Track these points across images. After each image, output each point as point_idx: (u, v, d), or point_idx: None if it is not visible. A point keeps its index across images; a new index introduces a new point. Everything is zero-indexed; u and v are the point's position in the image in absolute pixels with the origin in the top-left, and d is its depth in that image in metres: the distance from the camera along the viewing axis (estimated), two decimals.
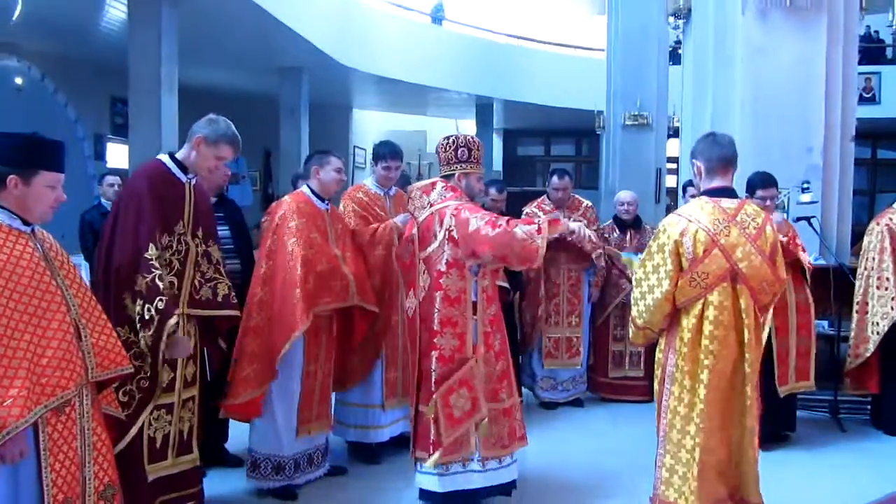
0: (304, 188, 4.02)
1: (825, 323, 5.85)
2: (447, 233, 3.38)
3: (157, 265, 2.98)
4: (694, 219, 2.96)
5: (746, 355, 2.93)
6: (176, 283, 3.16)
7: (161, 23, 8.76)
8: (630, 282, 5.63)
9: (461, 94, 15.83)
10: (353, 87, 15.08)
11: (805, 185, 5.28)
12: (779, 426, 4.74)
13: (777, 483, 3.56)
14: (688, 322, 2.93)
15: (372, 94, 16.12)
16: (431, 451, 3.35)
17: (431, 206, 3.49)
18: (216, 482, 3.93)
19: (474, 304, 3.43)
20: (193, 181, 3.31)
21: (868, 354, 4.95)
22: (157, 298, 2.91)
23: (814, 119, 5.67)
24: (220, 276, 3.38)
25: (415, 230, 3.55)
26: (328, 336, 3.91)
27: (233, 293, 3.43)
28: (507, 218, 3.34)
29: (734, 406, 2.97)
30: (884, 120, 14.04)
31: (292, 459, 3.77)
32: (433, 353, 3.38)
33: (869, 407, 5.19)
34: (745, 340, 2.92)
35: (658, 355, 3.09)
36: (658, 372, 3.07)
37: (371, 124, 18.30)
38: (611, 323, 5.82)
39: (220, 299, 3.34)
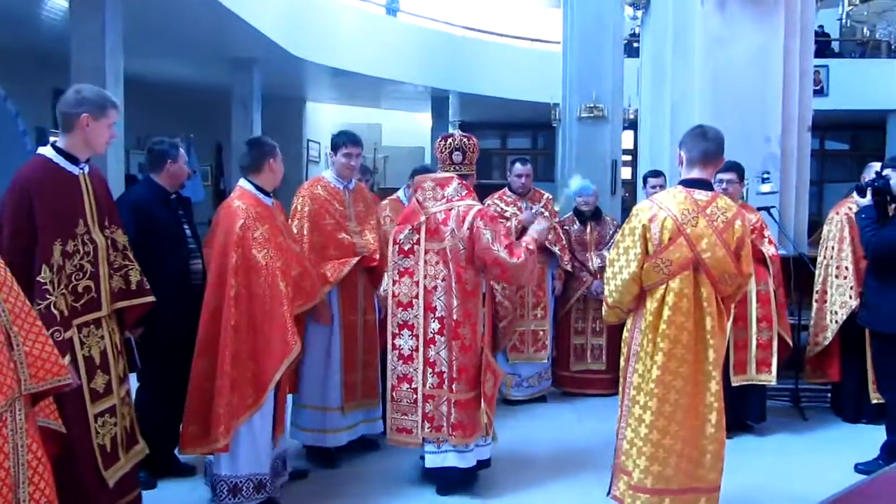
0: (246, 185, 3.68)
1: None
2: (469, 232, 3.64)
3: (51, 289, 2.73)
4: (664, 206, 3.06)
5: (710, 341, 3.01)
6: (93, 287, 2.96)
7: (105, 12, 8.43)
8: (592, 274, 5.60)
9: (417, 87, 15.68)
10: (306, 79, 14.81)
11: (765, 175, 5.29)
12: (747, 416, 4.76)
13: (737, 470, 3.58)
14: (651, 305, 3.04)
15: (326, 87, 15.86)
16: (471, 433, 3.68)
17: (448, 200, 3.73)
18: (170, 495, 3.77)
19: (484, 295, 3.78)
20: (86, 170, 3.02)
21: (827, 343, 5.00)
22: (53, 329, 2.66)
23: (771, 109, 5.69)
24: (130, 261, 3.19)
25: (420, 220, 3.71)
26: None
27: (144, 278, 3.23)
28: (513, 240, 3.75)
29: (697, 392, 3.02)
30: (831, 112, 14.33)
31: (269, 473, 3.60)
32: (455, 342, 3.64)
33: (829, 395, 5.23)
34: (709, 328, 3.00)
35: (625, 334, 3.20)
36: (624, 349, 3.19)
37: (325, 117, 18.03)
38: (572, 316, 5.78)
39: (134, 287, 3.17)
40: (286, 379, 3.66)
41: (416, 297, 3.71)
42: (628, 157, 15.99)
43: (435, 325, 3.68)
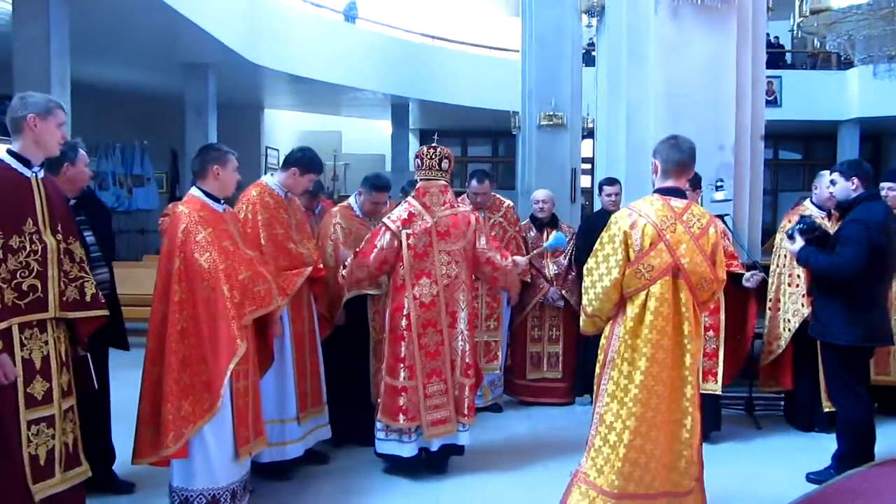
0: (195, 191, 3.63)
1: None
2: (472, 235, 4.18)
3: None
4: (644, 213, 3.14)
5: (688, 346, 3.09)
6: (39, 287, 2.91)
7: (50, 15, 8.22)
8: (548, 282, 5.55)
9: (376, 94, 15.58)
10: (263, 85, 14.62)
11: (719, 183, 5.29)
12: (704, 425, 4.72)
13: None
14: (632, 311, 3.09)
15: (284, 94, 15.68)
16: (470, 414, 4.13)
17: (451, 205, 4.17)
18: None
19: None
20: (40, 174, 3.02)
21: (780, 351, 5.01)
22: None
23: (725, 117, 5.70)
24: (86, 274, 3.14)
25: (429, 223, 4.06)
26: (252, 346, 3.58)
27: (100, 293, 3.21)
28: (499, 247, 4.34)
29: (674, 396, 3.09)
30: (784, 122, 14.60)
31: (228, 491, 3.44)
32: (468, 333, 4.14)
33: (782, 403, 5.24)
34: (686, 332, 3.09)
35: (602, 341, 3.23)
36: (601, 356, 3.21)
37: (284, 124, 17.84)
38: (528, 324, 5.72)
39: (88, 299, 3.10)
40: (249, 390, 3.56)
41: (437, 295, 4.05)
42: (587, 166, 16.13)
43: (449, 320, 4.08)
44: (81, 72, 12.06)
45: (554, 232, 5.32)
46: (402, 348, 4.02)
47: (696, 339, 3.15)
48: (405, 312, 4.02)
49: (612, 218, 3.22)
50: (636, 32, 5.86)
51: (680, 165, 3.23)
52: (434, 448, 4.11)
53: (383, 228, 4.08)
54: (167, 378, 3.31)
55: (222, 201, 3.68)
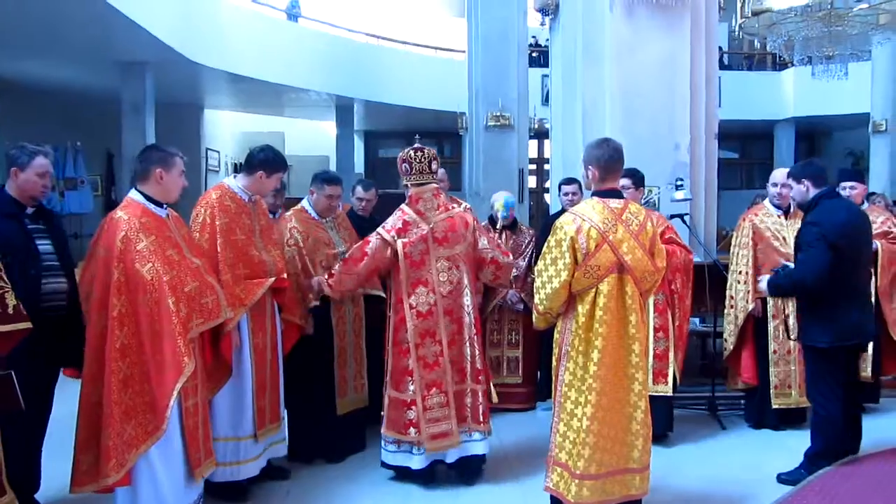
0: (134, 195, 3.38)
1: (697, 320, 5.93)
2: (472, 237, 4.06)
3: None
4: (587, 218, 3.32)
5: (634, 333, 3.29)
6: None
7: None
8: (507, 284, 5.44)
9: (320, 95, 15.31)
10: (203, 84, 14.19)
11: (679, 182, 5.28)
12: (657, 426, 4.67)
13: (656, 480, 3.58)
14: (583, 308, 3.29)
15: (224, 93, 15.26)
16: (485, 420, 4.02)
17: (447, 209, 4.03)
18: None
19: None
20: None
21: (731, 347, 5.03)
22: None
23: (680, 116, 5.73)
24: (5, 283, 2.91)
25: (425, 230, 3.95)
26: (200, 360, 3.36)
27: (20, 303, 2.96)
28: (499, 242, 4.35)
29: (624, 384, 3.29)
30: (723, 122, 14.83)
31: None
32: (477, 337, 4.04)
33: (743, 402, 5.24)
34: (633, 322, 3.30)
35: (556, 336, 3.42)
36: (556, 350, 3.41)
37: (224, 125, 17.37)
38: (487, 328, 5.59)
39: (10, 311, 2.88)
40: (200, 409, 3.34)
41: (434, 304, 3.93)
42: (533, 167, 16.17)
43: (454, 327, 3.96)
44: (7, 68, 11.50)
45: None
46: (409, 361, 3.91)
47: (643, 327, 3.43)
48: (406, 324, 3.91)
49: (557, 223, 3.37)
50: (591, 31, 5.84)
51: (613, 166, 3.40)
52: (450, 460, 4.00)
53: (376, 237, 3.95)
54: (107, 399, 3.10)
55: (165, 206, 3.43)
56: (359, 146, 19.37)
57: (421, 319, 3.93)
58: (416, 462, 3.96)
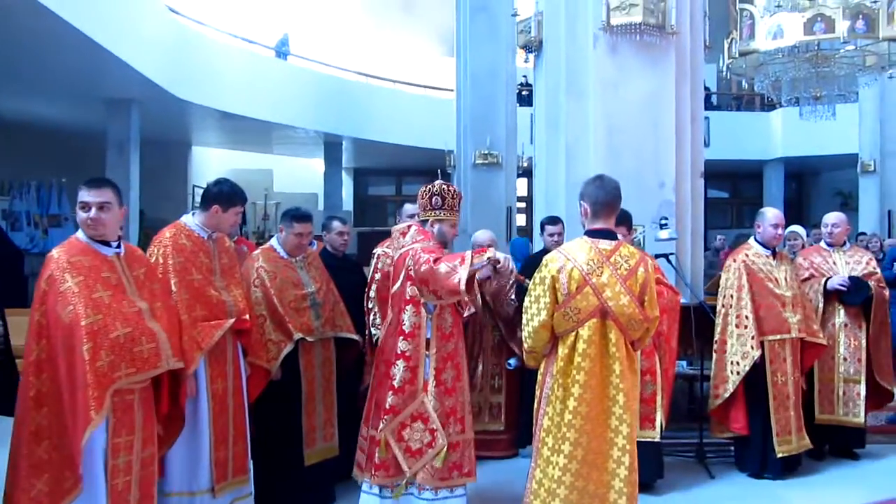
0: (79, 233, 3.18)
1: (684, 363, 5.74)
2: (407, 271, 3.71)
3: None
4: (571, 257, 3.19)
5: (618, 383, 3.13)
6: None
7: None
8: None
9: (309, 132, 15.29)
10: (191, 122, 14.16)
11: (663, 222, 5.15)
12: (641, 474, 4.47)
13: None
14: (562, 351, 3.17)
15: (213, 131, 15.23)
16: (373, 473, 3.67)
17: (403, 247, 3.81)
18: None
19: (428, 340, 3.69)
20: None
21: (727, 395, 4.80)
22: None
23: (665, 154, 5.63)
24: None
25: (390, 267, 3.93)
26: (144, 413, 3.08)
27: None
28: (449, 254, 3.67)
29: (605, 436, 3.12)
30: (712, 161, 14.87)
31: None
32: (388, 381, 3.68)
33: (733, 449, 5.04)
34: (617, 371, 3.13)
35: (539, 377, 3.30)
36: (538, 392, 3.28)
37: (212, 162, 17.30)
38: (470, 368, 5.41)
39: None
40: (135, 467, 3.06)
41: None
42: (522, 205, 16.11)
43: (383, 368, 3.77)
44: None
45: None
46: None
47: (631, 376, 3.24)
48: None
49: (544, 260, 3.28)
50: (574, 68, 5.77)
51: (608, 206, 3.28)
52: None
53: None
54: (17, 453, 2.86)
55: (115, 244, 3.19)
56: (347, 183, 19.33)
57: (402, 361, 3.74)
58: None
